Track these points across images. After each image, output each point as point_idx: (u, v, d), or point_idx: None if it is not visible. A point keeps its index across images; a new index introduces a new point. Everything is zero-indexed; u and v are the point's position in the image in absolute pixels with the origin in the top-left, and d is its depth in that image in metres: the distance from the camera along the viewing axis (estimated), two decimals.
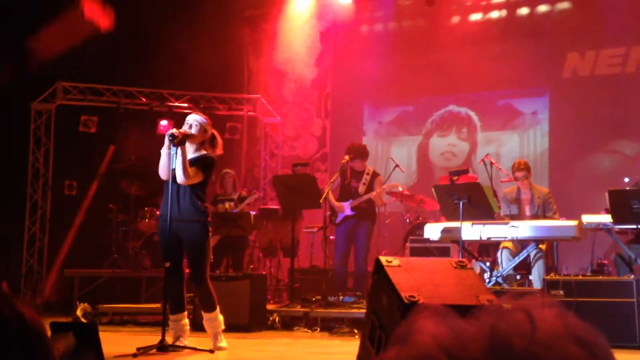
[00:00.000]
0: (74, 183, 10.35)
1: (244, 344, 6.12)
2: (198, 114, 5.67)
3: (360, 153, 8.23)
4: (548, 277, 6.24)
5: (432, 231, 7.19)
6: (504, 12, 10.89)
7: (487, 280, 6.87)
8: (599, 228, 6.62)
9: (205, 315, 5.60)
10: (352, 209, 8.12)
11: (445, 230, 7.05)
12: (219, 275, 7.31)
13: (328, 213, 8.20)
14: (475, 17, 10.98)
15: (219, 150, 5.71)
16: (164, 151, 5.43)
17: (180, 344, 5.45)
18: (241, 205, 8.77)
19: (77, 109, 10.44)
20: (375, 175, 8.28)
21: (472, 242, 7.36)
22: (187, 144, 5.45)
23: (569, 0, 10.55)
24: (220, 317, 5.60)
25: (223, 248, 8.54)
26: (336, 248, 8.23)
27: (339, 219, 8.20)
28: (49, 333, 1.03)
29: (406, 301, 3.16)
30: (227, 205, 8.74)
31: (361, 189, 8.15)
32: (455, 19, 11.10)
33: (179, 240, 5.49)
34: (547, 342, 0.63)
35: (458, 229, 6.75)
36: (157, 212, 9.29)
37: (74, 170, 10.30)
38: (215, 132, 5.76)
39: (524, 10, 10.77)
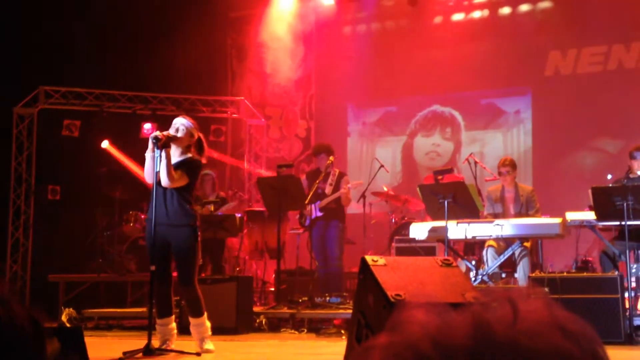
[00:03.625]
0: (57, 188, 10.27)
1: (231, 346, 6.10)
2: (185, 118, 5.61)
3: (327, 149, 8.26)
4: (533, 274, 6.28)
5: (418, 231, 7.20)
6: (486, 12, 10.94)
7: (473, 279, 6.89)
8: (582, 225, 6.66)
9: (192, 321, 5.53)
10: (321, 210, 8.11)
11: (430, 230, 7.07)
12: (205, 278, 7.27)
13: (297, 216, 8.23)
14: (458, 17, 11.03)
15: (204, 159, 5.65)
16: (148, 154, 5.36)
17: (167, 348, 5.41)
18: (221, 208, 8.72)
19: (59, 113, 10.36)
20: (341, 175, 8.29)
21: (457, 241, 7.38)
22: (173, 148, 5.40)
23: None
24: (208, 323, 5.55)
25: (203, 251, 8.47)
26: (314, 251, 8.20)
27: (308, 222, 8.19)
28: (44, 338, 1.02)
29: (392, 300, 3.16)
30: (212, 207, 8.71)
31: (328, 189, 8.14)
32: (438, 19, 11.15)
33: (167, 244, 5.43)
34: (530, 331, 0.63)
35: (443, 228, 6.77)
36: (142, 216, 9.26)
37: (57, 174, 10.21)
38: (202, 136, 5.70)
39: (505, 10, 10.83)
